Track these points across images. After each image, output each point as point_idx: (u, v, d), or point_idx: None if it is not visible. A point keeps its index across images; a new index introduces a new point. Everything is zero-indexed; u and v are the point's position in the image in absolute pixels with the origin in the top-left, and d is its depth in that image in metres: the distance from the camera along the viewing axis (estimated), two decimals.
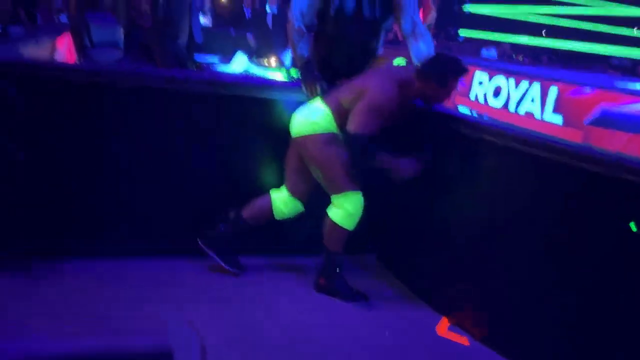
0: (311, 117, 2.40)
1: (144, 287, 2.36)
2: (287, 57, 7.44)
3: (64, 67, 2.49)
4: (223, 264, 2.52)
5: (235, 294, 2.41)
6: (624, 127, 4.74)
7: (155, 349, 1.96)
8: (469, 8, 7.34)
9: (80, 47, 4.33)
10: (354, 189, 2.37)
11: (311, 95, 2.54)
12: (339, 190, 2.38)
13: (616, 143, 4.70)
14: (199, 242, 2.52)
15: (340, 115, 2.39)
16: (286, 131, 2.50)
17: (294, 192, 2.50)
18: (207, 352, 1.96)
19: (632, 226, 1.77)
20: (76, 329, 2.00)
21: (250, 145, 2.67)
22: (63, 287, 2.27)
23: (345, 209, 2.37)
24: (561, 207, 2.01)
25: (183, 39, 5.56)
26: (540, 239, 2.07)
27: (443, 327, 2.37)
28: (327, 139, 2.38)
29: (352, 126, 2.33)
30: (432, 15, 7.50)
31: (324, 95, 2.46)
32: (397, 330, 2.31)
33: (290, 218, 2.52)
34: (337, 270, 2.46)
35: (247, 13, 9.56)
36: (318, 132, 2.38)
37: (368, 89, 2.35)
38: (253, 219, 2.54)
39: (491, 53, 9.96)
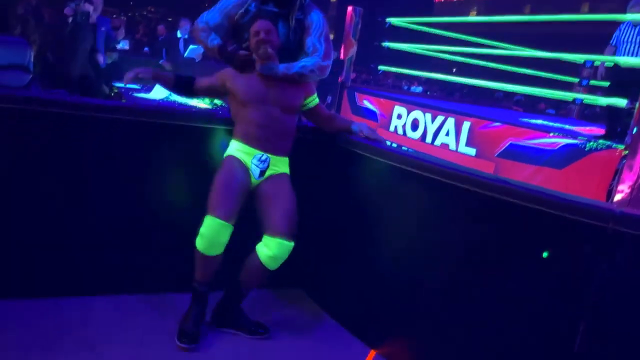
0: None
1: (61, 330, 2.22)
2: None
3: None
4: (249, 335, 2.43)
5: (159, 336, 2.29)
6: (528, 159, 5.10)
7: None
8: (387, 44, 7.70)
9: None
10: None
11: (267, 67, 2.48)
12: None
13: (523, 174, 5.04)
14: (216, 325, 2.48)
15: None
16: (208, 159, 2.47)
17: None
18: None
19: (544, 254, 1.89)
20: None
21: (169, 174, 2.59)
22: None
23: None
24: (479, 234, 2.11)
25: (81, 63, 5.42)
26: (461, 267, 2.15)
27: (370, 359, 2.39)
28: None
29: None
30: (353, 49, 7.79)
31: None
32: None
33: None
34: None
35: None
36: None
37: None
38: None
39: (418, 89, 10.72)
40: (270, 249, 2.28)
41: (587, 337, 1.78)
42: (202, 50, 7.53)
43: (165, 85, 2.54)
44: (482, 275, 2.08)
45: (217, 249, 2.30)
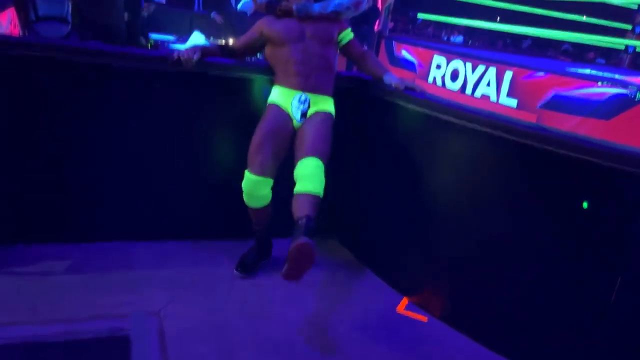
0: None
1: (105, 272, 2.32)
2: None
3: (6, 41, 2.33)
4: None
5: (197, 279, 2.39)
6: (574, 110, 4.90)
7: (112, 333, 1.91)
8: None
9: (25, 22, 4.08)
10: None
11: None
12: None
13: (567, 125, 4.86)
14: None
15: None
16: (253, 109, 2.46)
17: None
18: (166, 339, 1.93)
19: (584, 204, 1.84)
20: (31, 316, 1.93)
21: (210, 125, 2.61)
22: (18, 273, 2.20)
23: None
24: (518, 184, 2.07)
25: (120, 14, 5.40)
26: (498, 217, 2.12)
27: (403, 306, 2.42)
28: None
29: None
30: None
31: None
32: (359, 309, 2.34)
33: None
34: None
35: None
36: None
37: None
38: None
39: (458, 39, 10.25)
40: (296, 169, 2.26)
41: (624, 288, 1.75)
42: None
43: (214, 55, 2.55)
44: (520, 225, 2.04)
45: (258, 202, 2.37)
